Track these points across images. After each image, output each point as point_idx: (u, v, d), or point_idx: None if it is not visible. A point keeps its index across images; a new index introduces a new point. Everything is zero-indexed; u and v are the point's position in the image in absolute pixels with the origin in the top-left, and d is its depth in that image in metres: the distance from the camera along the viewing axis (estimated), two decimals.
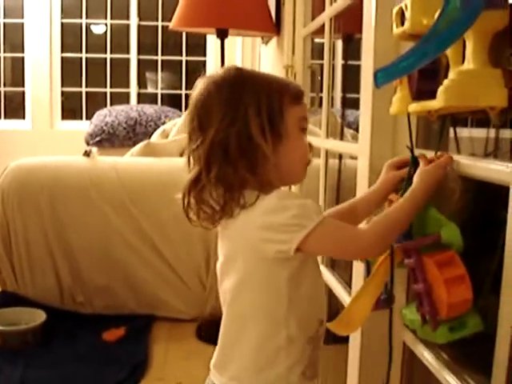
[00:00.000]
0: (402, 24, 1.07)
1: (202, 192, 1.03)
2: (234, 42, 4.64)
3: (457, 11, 0.87)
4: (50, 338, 2.60)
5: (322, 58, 1.90)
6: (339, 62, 2.90)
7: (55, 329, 2.65)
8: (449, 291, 0.95)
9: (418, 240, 1.01)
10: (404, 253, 1.04)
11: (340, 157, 2.51)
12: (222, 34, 2.76)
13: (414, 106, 1.06)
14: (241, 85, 1.03)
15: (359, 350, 1.42)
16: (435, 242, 0.99)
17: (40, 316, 2.62)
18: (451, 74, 0.95)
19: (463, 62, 0.96)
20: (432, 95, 0.98)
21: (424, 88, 1.05)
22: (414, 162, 1.10)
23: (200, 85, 1.07)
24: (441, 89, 0.93)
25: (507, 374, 0.91)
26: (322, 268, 1.79)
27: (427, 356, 1.20)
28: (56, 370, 2.34)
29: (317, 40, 2.36)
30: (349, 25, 2.08)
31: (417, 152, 1.15)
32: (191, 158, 1.05)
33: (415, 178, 1.05)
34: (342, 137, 2.53)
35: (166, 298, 2.91)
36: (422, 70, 1.05)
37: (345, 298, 1.59)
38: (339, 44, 2.80)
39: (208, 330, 2.68)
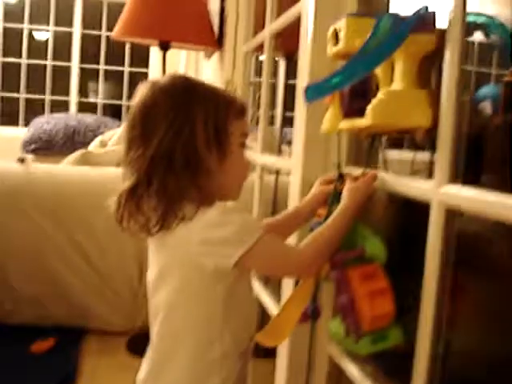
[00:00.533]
0: (337, 44, 1.11)
1: (138, 202, 1.00)
2: (177, 54, 4.64)
3: (385, 34, 0.90)
4: None
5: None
6: (281, 80, 2.94)
7: None
8: (371, 304, 0.97)
9: (344, 253, 1.04)
10: (330, 266, 1.06)
11: (277, 173, 2.54)
12: (165, 46, 2.77)
13: (344, 124, 1.10)
14: (189, 94, 1.01)
15: (286, 363, 1.44)
16: (360, 255, 1.02)
17: None
18: (379, 94, 0.99)
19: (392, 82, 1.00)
20: (362, 113, 1.01)
21: (354, 106, 1.08)
22: (340, 179, 1.13)
23: (144, 91, 1.04)
24: (369, 107, 0.96)
25: None
26: (255, 282, 1.81)
27: (352, 369, 1.22)
28: None
29: (261, 57, 2.39)
30: (291, 44, 2.12)
31: (347, 169, 1.19)
32: (127, 168, 1.02)
33: (344, 196, 1.07)
34: (279, 153, 2.56)
35: (97, 309, 2.86)
36: (353, 89, 1.09)
37: (274, 311, 1.60)
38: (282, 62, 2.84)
39: (139, 343, 2.64)
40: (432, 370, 0.94)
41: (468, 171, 1.01)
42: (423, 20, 0.92)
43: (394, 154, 1.44)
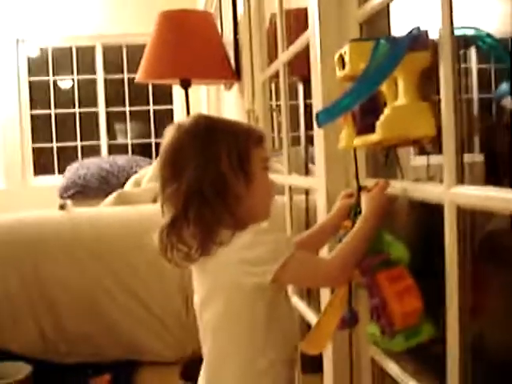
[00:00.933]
0: (343, 68, 1.20)
1: (179, 233, 1.11)
2: (198, 89, 4.79)
3: (384, 56, 1.00)
4: None
5: (290, 98, 2.03)
6: (301, 101, 3.03)
7: (41, 381, 2.69)
8: (400, 302, 1.06)
9: (370, 259, 1.12)
10: (360, 272, 1.14)
11: (306, 193, 2.63)
12: (186, 84, 2.90)
13: (358, 141, 1.19)
14: (210, 131, 1.12)
15: (331, 371, 1.51)
16: (385, 260, 1.10)
17: (25, 369, 2.65)
18: (386, 110, 1.07)
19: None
20: (373, 129, 1.10)
21: (366, 123, 1.17)
22: (359, 190, 1.22)
23: (170, 133, 1.15)
24: (378, 123, 1.05)
25: (460, 375, 1.01)
26: (294, 297, 1.89)
27: (394, 368, 1.29)
28: None
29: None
30: (304, 68, 2.22)
31: (366, 182, 1.27)
32: (165, 204, 1.13)
33: (363, 206, 1.16)
34: (306, 171, 2.65)
35: (147, 342, 2.95)
36: (364, 108, 1.18)
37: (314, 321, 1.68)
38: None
39: (192, 370, 2.72)
40: (464, 361, 1.02)
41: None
42: (417, 39, 1.01)
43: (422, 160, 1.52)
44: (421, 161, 1.56)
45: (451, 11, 0.94)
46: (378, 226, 1.15)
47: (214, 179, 1.08)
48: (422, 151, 1.47)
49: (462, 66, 1.47)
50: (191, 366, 2.78)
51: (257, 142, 1.15)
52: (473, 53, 1.56)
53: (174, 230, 1.11)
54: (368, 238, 1.12)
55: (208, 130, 1.13)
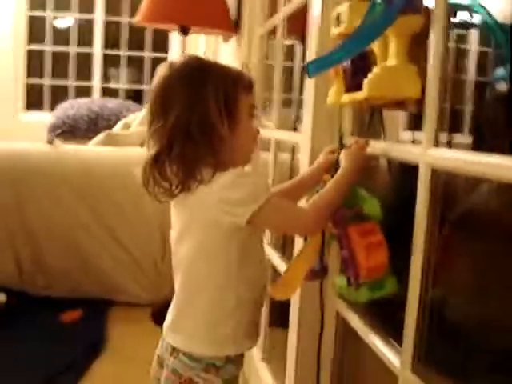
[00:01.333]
0: (339, 26, 1.23)
1: (162, 168, 1.14)
2: (197, 39, 4.75)
3: (377, 15, 1.02)
4: (10, 319, 2.70)
5: (285, 59, 2.04)
6: (297, 63, 3.04)
7: (15, 310, 2.75)
8: (368, 255, 1.10)
9: (343, 211, 1.16)
10: (332, 223, 1.19)
11: (292, 150, 2.65)
12: (185, 31, 2.90)
13: (346, 97, 1.22)
14: (201, 72, 1.15)
15: (297, 322, 1.57)
16: (358, 213, 1.14)
17: None
18: (375, 69, 1.10)
19: None
20: (362, 88, 1.13)
21: (355, 82, 1.20)
22: (341, 148, 1.25)
23: (162, 71, 1.18)
24: (365, 81, 1.08)
25: (415, 333, 1.06)
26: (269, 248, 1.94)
27: (356, 321, 1.35)
28: (11, 347, 2.44)
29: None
30: (305, 27, 2.22)
31: (351, 141, 1.31)
32: (150, 139, 1.16)
33: (342, 162, 1.20)
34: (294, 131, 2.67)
35: (124, 284, 3.02)
36: (355, 66, 1.21)
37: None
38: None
39: (163, 314, 2.78)
40: (421, 318, 1.07)
41: None
42: (411, 2, 1.03)
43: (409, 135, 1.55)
44: (408, 135, 1.60)
45: None
46: (355, 182, 1.19)
47: (199, 119, 1.11)
48: (411, 126, 1.50)
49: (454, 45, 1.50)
50: (162, 309, 2.82)
51: (246, 87, 1.18)
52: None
53: (157, 165, 1.14)
54: (343, 191, 1.17)
55: (198, 71, 1.15)
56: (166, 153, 1.13)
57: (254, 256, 1.20)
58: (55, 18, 6.27)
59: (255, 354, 2.12)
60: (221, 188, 1.11)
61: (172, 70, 1.16)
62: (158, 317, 2.77)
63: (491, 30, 1.26)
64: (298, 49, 2.99)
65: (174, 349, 1.21)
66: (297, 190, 1.35)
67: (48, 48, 6.24)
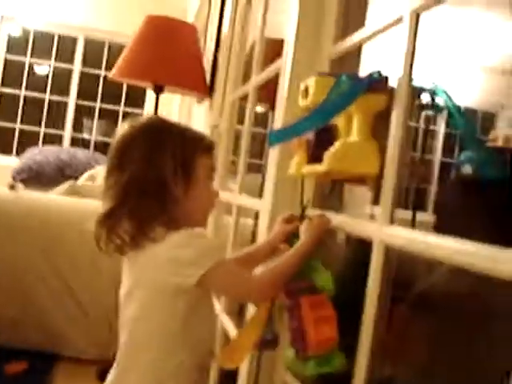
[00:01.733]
0: (306, 99, 1.25)
1: (114, 224, 1.14)
2: (172, 97, 4.81)
3: (342, 92, 1.04)
4: None
5: (259, 126, 2.06)
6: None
7: None
8: (316, 329, 1.09)
9: (296, 283, 1.15)
10: (285, 294, 1.17)
11: (256, 217, 2.65)
12: (158, 89, 2.92)
13: (307, 169, 1.23)
14: (161, 133, 1.17)
15: None
16: (310, 286, 1.13)
17: None
18: (337, 144, 1.12)
19: None
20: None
21: (318, 154, 1.21)
22: (302, 219, 1.25)
23: (124, 128, 1.19)
24: (326, 154, 1.09)
25: None
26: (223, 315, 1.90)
27: None
28: None
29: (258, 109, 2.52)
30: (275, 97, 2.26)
31: (312, 211, 1.31)
32: (106, 193, 1.16)
33: (301, 234, 1.20)
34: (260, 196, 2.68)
35: (73, 337, 2.93)
36: (319, 138, 1.23)
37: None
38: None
39: (109, 372, 2.70)
40: None
41: None
42: (376, 82, 1.05)
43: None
44: (376, 210, 1.60)
45: (412, 60, 0.99)
46: (311, 254, 1.18)
47: (154, 178, 1.12)
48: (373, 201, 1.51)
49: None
50: (109, 367, 2.75)
51: (205, 150, 1.20)
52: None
53: (110, 221, 1.13)
54: (299, 263, 1.16)
55: (158, 131, 1.17)
56: (119, 209, 1.13)
57: (201, 320, 1.17)
58: (31, 64, 6.30)
59: None
60: (171, 247, 1.10)
61: (132, 129, 1.18)
62: (104, 375, 2.73)
63: (450, 113, 1.29)
64: (271, 116, 3.04)
65: None
66: (251, 260, 1.33)
67: (22, 92, 6.24)
